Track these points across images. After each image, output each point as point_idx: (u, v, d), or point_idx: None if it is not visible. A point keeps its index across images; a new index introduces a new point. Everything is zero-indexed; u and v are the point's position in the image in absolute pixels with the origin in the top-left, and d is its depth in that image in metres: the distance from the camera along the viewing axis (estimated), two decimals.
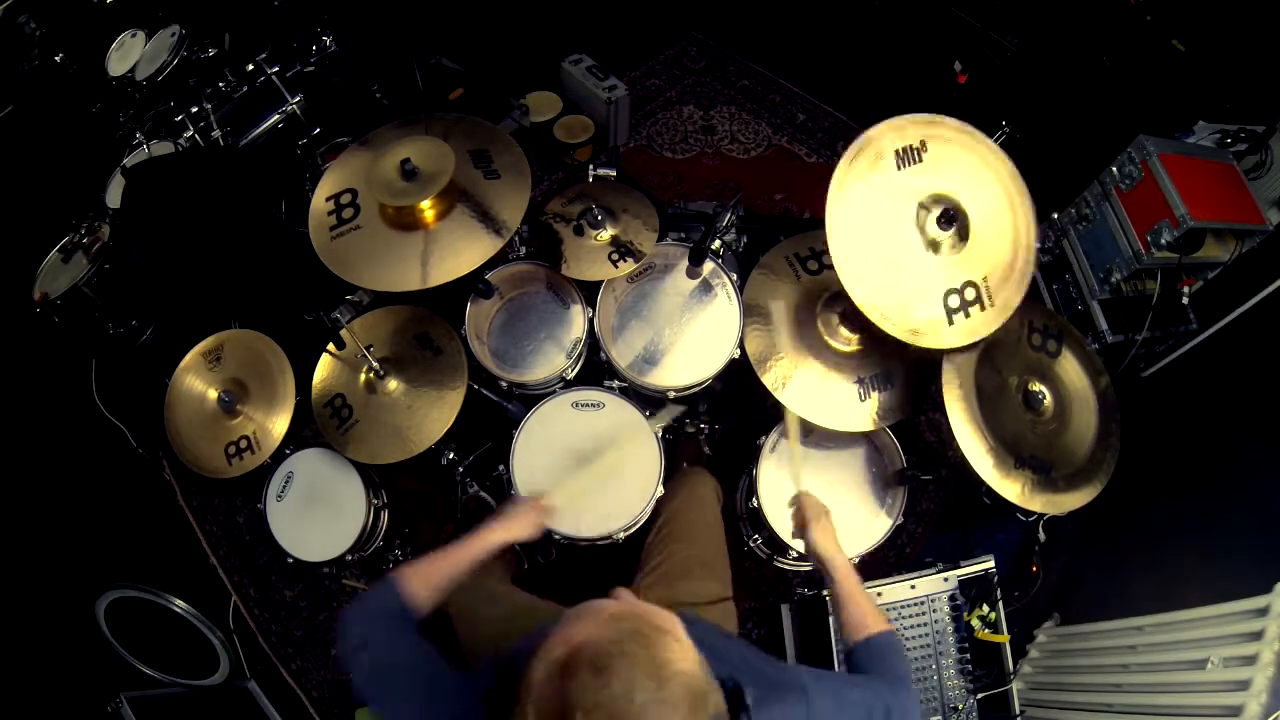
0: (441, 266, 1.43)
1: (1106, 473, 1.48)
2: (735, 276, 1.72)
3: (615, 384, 1.73)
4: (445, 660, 0.95)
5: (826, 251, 1.70)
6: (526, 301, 1.84)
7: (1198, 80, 2.28)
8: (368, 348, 1.66)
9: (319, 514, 1.77)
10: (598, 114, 2.85)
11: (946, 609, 1.63)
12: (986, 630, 1.59)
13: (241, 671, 2.01)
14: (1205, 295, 2.07)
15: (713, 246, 1.71)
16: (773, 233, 1.93)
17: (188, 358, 1.81)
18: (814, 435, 1.74)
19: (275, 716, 2.01)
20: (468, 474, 2.01)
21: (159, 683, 1.90)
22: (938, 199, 1.41)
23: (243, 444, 1.71)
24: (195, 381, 1.79)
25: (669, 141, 3.04)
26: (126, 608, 1.87)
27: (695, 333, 1.73)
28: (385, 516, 1.90)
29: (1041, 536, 1.91)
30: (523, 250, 1.87)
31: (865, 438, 1.75)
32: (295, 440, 1.78)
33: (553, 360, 1.74)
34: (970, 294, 1.39)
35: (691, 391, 1.72)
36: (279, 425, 1.71)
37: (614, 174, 1.93)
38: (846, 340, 1.62)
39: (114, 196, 2.43)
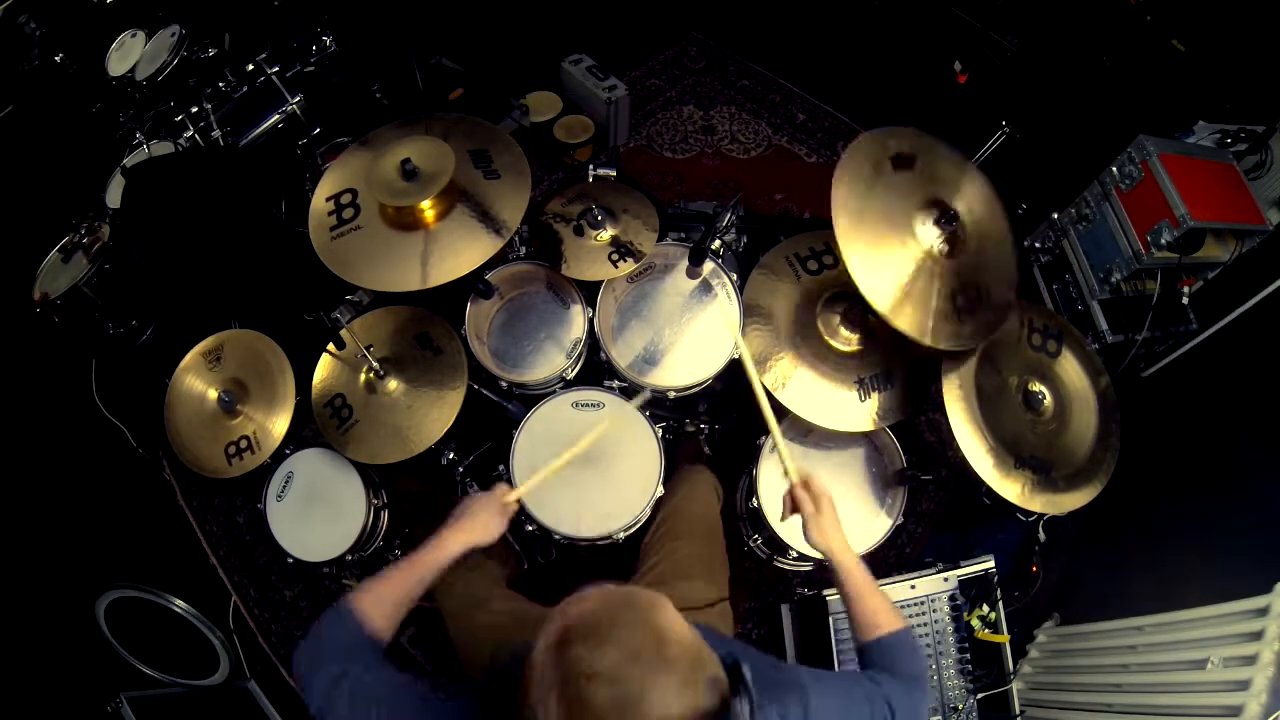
0: (441, 266, 1.43)
1: (1106, 473, 1.48)
2: (735, 276, 1.72)
3: (615, 384, 1.73)
4: (428, 684, 0.91)
5: (827, 251, 1.71)
6: (526, 301, 1.84)
7: (1198, 80, 2.28)
8: (368, 348, 1.66)
9: (319, 514, 1.76)
10: (598, 114, 2.85)
11: (946, 609, 1.63)
12: (986, 630, 1.59)
13: (241, 671, 2.01)
14: (1205, 295, 2.07)
15: (713, 246, 1.71)
16: (773, 233, 1.93)
17: (188, 358, 1.81)
18: (814, 435, 1.74)
19: (275, 716, 2.01)
20: (468, 474, 2.01)
21: (159, 683, 1.90)
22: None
23: (243, 444, 1.71)
24: (195, 381, 1.79)
25: (669, 141, 3.04)
26: (126, 608, 1.87)
27: (695, 333, 1.73)
28: (385, 516, 1.90)
29: (1041, 536, 1.91)
30: (523, 250, 1.87)
31: (865, 438, 1.75)
32: (295, 440, 1.78)
33: (553, 360, 1.74)
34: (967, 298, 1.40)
35: (691, 391, 1.72)
36: (279, 425, 1.71)
37: (614, 174, 1.93)
38: (846, 340, 1.62)
39: (114, 196, 2.43)
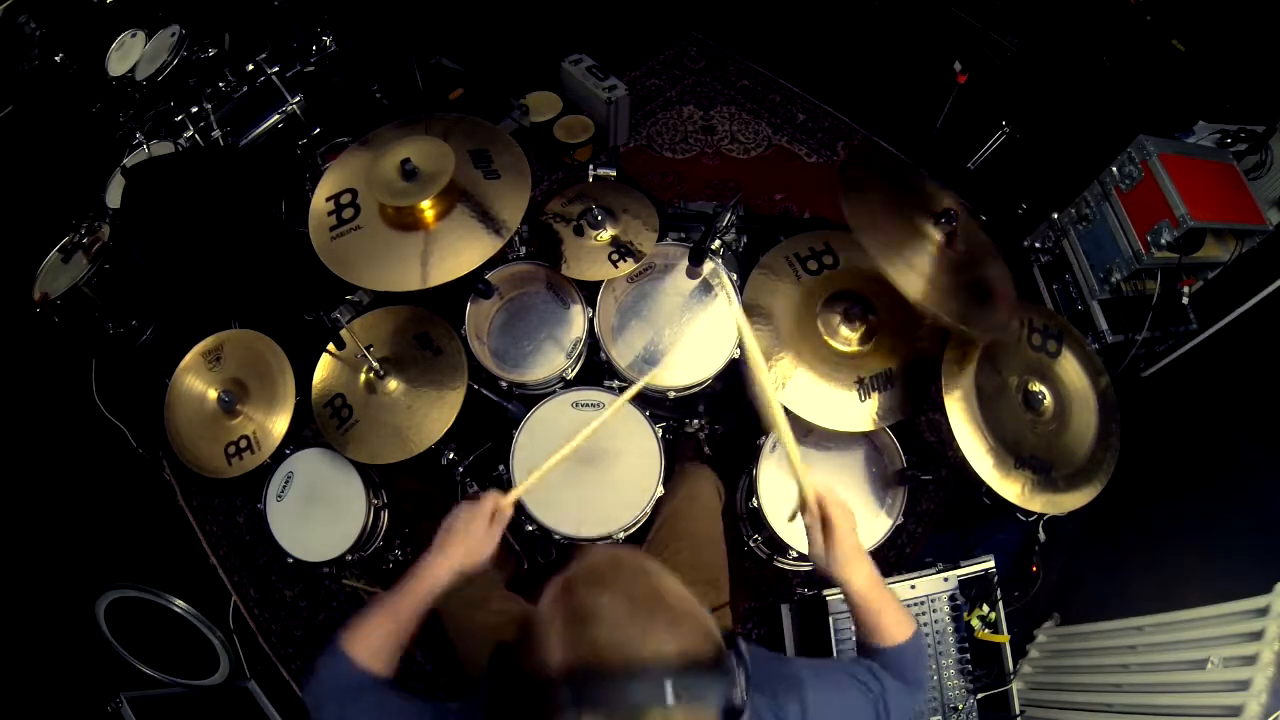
0: (441, 266, 1.43)
1: (1106, 473, 1.48)
2: (735, 276, 1.72)
3: (615, 384, 1.73)
4: (438, 707, 0.90)
5: (827, 251, 1.71)
6: (526, 301, 1.84)
7: (1198, 80, 2.28)
8: (368, 348, 1.66)
9: (319, 514, 1.76)
10: (598, 114, 2.85)
11: (946, 609, 1.63)
12: (986, 630, 1.59)
13: (241, 671, 2.01)
14: (1205, 295, 2.07)
15: (713, 246, 1.71)
16: (773, 233, 1.93)
17: (188, 358, 1.81)
18: (814, 435, 1.74)
19: (275, 716, 2.01)
20: (468, 474, 2.01)
21: (159, 683, 1.90)
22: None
23: (243, 444, 1.71)
24: (195, 381, 1.79)
25: (669, 141, 3.04)
26: (126, 608, 1.87)
27: (695, 333, 1.73)
28: (385, 516, 1.90)
29: (1041, 536, 1.91)
30: (523, 250, 1.87)
31: (865, 438, 1.75)
32: (295, 440, 1.78)
33: (553, 360, 1.74)
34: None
35: (691, 391, 1.72)
36: (279, 425, 1.71)
37: (614, 174, 1.93)
38: (846, 340, 1.62)
39: (114, 196, 2.43)
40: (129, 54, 2.64)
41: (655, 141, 3.03)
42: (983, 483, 1.39)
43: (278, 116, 2.46)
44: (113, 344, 2.47)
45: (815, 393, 1.57)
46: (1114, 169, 2.05)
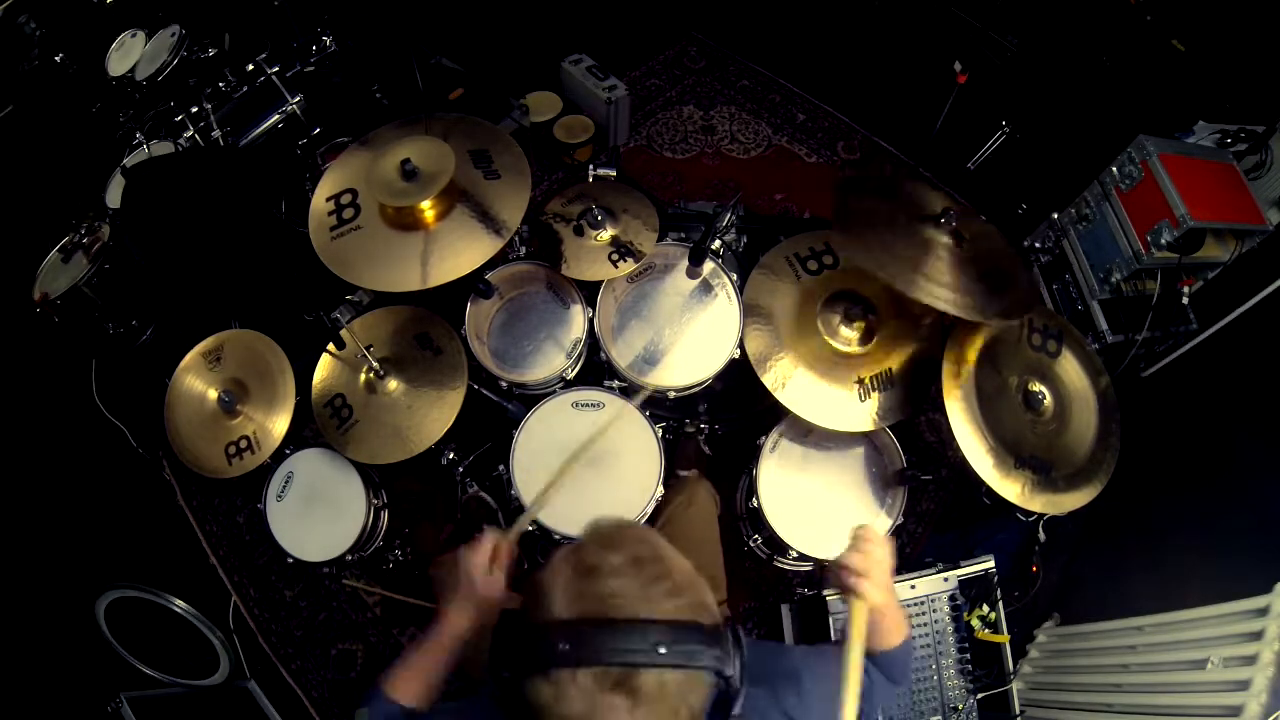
0: (441, 266, 1.43)
1: (1106, 473, 1.48)
2: (735, 276, 1.72)
3: (615, 384, 1.73)
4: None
5: (827, 251, 1.71)
6: (526, 301, 1.84)
7: (1198, 80, 2.28)
8: (368, 348, 1.66)
9: (319, 514, 1.76)
10: (598, 114, 2.85)
11: (946, 609, 1.63)
12: (986, 630, 1.59)
13: (241, 671, 2.01)
14: (1205, 295, 2.07)
15: (713, 246, 1.71)
16: (773, 233, 1.93)
17: (188, 358, 1.81)
18: (814, 435, 1.74)
19: (275, 716, 2.01)
20: (468, 474, 2.01)
21: (159, 683, 1.90)
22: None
23: (243, 444, 1.71)
24: (195, 381, 1.79)
25: (669, 141, 3.04)
26: (126, 608, 1.87)
27: (695, 333, 1.73)
28: (385, 516, 1.90)
29: (1041, 536, 1.91)
30: (523, 250, 1.87)
31: (865, 438, 1.75)
32: (295, 440, 1.78)
33: (553, 360, 1.74)
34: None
35: (691, 391, 1.72)
36: (279, 425, 1.71)
37: (614, 174, 1.93)
38: (846, 340, 1.62)
39: (114, 196, 2.43)
40: (129, 54, 2.64)
41: (655, 141, 3.03)
42: (983, 483, 1.39)
43: (278, 116, 2.46)
44: (113, 344, 2.47)
45: (815, 393, 1.57)
46: (1114, 169, 2.05)
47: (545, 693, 0.62)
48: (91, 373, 2.56)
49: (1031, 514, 1.60)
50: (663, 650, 0.62)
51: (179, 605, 1.85)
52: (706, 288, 1.76)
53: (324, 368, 1.77)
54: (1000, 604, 1.61)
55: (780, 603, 1.95)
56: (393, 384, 1.71)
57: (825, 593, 1.64)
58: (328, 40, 2.58)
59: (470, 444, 1.99)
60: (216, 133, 2.40)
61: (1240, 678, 1.31)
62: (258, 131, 2.45)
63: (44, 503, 2.35)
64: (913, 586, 1.63)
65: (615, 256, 1.68)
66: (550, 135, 2.82)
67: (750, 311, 1.66)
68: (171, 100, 2.46)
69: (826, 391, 1.57)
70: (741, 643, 0.68)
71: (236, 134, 2.43)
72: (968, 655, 1.60)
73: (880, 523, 1.67)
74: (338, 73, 2.60)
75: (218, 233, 2.07)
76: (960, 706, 1.58)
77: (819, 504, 1.68)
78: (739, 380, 1.70)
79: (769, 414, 1.76)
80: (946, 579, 1.64)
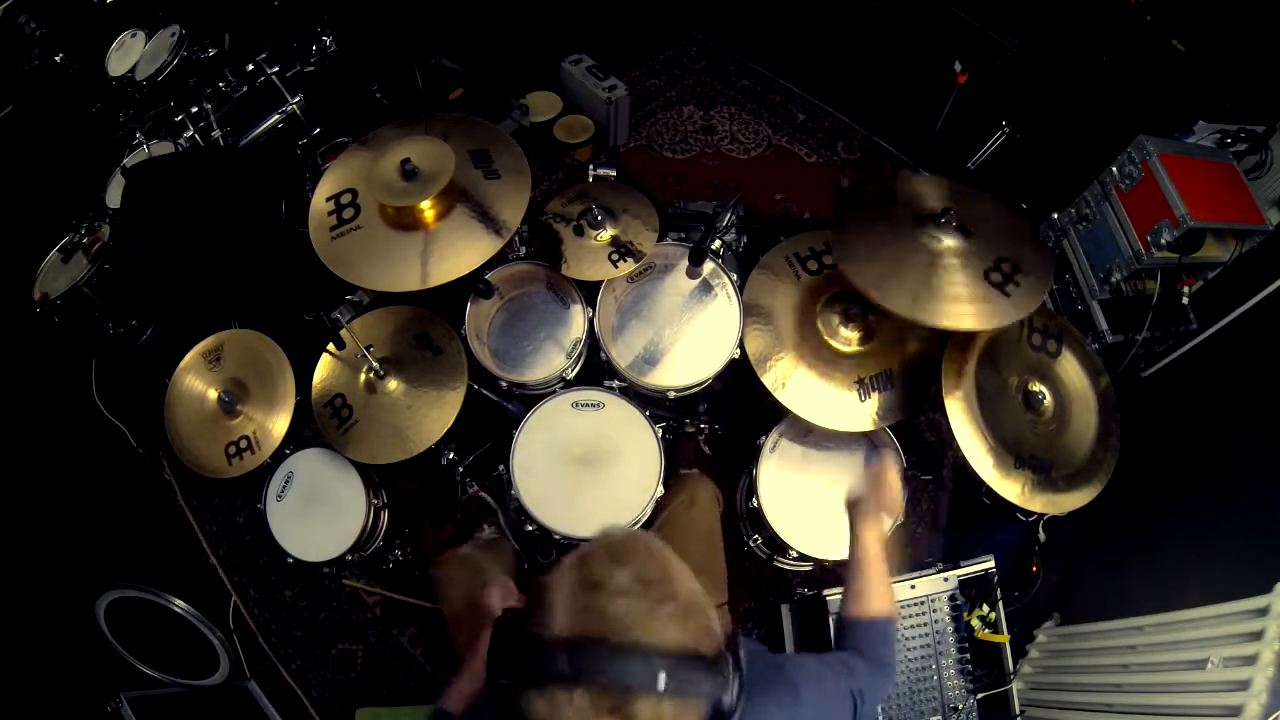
0: (441, 266, 1.43)
1: (1106, 473, 1.48)
2: (735, 276, 1.72)
3: (615, 384, 1.73)
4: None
5: (827, 251, 1.71)
6: (526, 301, 1.84)
7: (1198, 80, 2.28)
8: (368, 348, 1.66)
9: (319, 514, 1.76)
10: (598, 114, 2.85)
11: (946, 609, 1.63)
12: (986, 630, 1.59)
13: (241, 671, 2.01)
14: (1205, 295, 2.07)
15: (713, 246, 1.71)
16: (773, 233, 1.93)
17: (188, 358, 1.81)
18: (814, 435, 1.74)
19: (275, 716, 2.01)
20: (468, 474, 2.01)
21: (159, 683, 1.90)
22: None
23: (243, 444, 1.71)
24: (195, 381, 1.79)
25: (669, 141, 3.04)
26: (126, 608, 1.87)
27: (695, 333, 1.73)
28: (385, 516, 1.90)
29: (1041, 536, 1.91)
30: (523, 250, 1.87)
31: (865, 438, 1.75)
32: (295, 440, 1.78)
33: (553, 360, 1.74)
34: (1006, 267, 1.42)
35: (691, 391, 1.72)
36: (279, 425, 1.71)
37: (614, 174, 1.93)
38: (846, 340, 1.62)
39: (114, 196, 2.43)
40: (129, 54, 2.64)
41: (655, 141, 3.03)
42: (983, 483, 1.39)
43: (278, 116, 2.46)
44: (113, 344, 2.47)
45: (815, 393, 1.57)
46: (1114, 169, 2.05)
47: (540, 708, 0.62)
48: (91, 373, 2.56)
49: (1031, 514, 1.60)
50: (663, 676, 0.61)
51: (179, 605, 1.85)
52: (706, 288, 1.76)
53: (324, 368, 1.77)
54: (1000, 604, 1.61)
55: (780, 603, 1.95)
56: (393, 384, 1.71)
57: (825, 593, 1.64)
58: (328, 40, 2.58)
59: (470, 444, 1.99)
60: (216, 133, 2.40)
61: (1240, 678, 1.31)
62: (258, 131, 2.45)
63: (44, 503, 2.35)
64: (913, 586, 1.63)
65: (615, 256, 1.68)
66: (550, 135, 2.82)
67: (750, 311, 1.66)
68: (171, 100, 2.46)
69: (826, 391, 1.57)
70: (742, 665, 0.68)
71: (236, 134, 2.43)
72: (968, 655, 1.60)
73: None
74: (338, 73, 2.60)
75: (218, 233, 2.07)
76: (960, 706, 1.58)
77: (819, 504, 1.68)
78: (739, 380, 1.70)
79: (769, 414, 1.76)
80: (946, 579, 1.64)
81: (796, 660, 1.01)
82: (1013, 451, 1.42)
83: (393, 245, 1.46)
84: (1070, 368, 1.56)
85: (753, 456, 1.73)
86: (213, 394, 1.75)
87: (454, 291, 1.56)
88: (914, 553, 2.10)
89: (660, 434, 1.67)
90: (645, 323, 1.75)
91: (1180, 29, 2.31)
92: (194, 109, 2.42)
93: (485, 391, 1.77)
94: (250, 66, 2.47)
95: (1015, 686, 1.66)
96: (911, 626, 1.61)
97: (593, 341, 1.72)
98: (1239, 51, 2.21)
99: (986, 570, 1.64)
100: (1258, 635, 1.33)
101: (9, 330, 2.60)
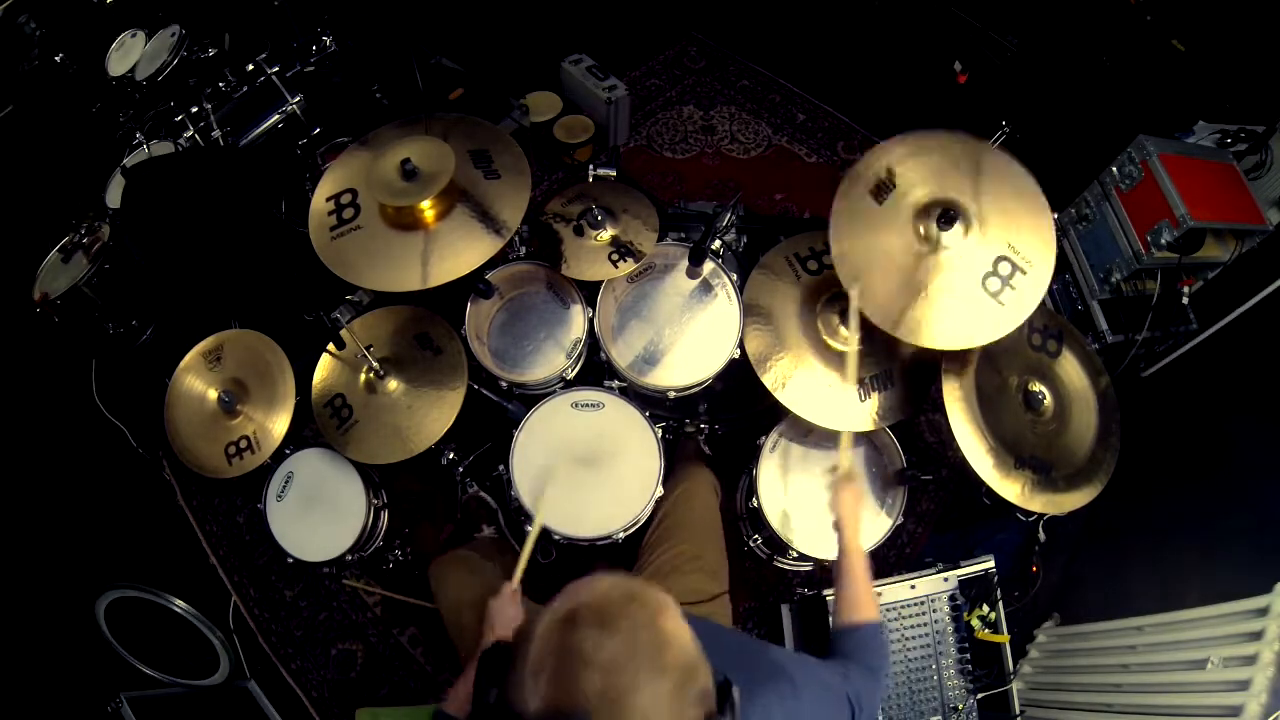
0: (441, 266, 1.43)
1: (1106, 473, 1.48)
2: (735, 276, 1.72)
3: (615, 384, 1.73)
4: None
5: (827, 251, 1.71)
6: (526, 301, 1.84)
7: (1198, 80, 2.28)
8: (368, 348, 1.66)
9: (319, 514, 1.77)
10: (598, 114, 2.85)
11: (946, 609, 1.63)
12: (986, 630, 1.59)
13: (241, 671, 2.01)
14: (1205, 295, 2.07)
15: (713, 246, 1.71)
16: (773, 233, 1.93)
17: (188, 358, 1.81)
18: (814, 435, 1.74)
19: (275, 716, 2.01)
20: (468, 474, 2.01)
21: (159, 683, 1.90)
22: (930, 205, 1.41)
23: (243, 444, 1.71)
24: (195, 381, 1.79)
25: (669, 141, 3.04)
26: (126, 608, 1.87)
27: (695, 333, 1.73)
28: (385, 516, 1.90)
29: (1041, 536, 1.91)
30: (523, 250, 1.87)
31: (865, 438, 1.75)
32: (295, 440, 1.78)
33: (553, 360, 1.74)
34: (1005, 268, 1.41)
35: (691, 391, 1.72)
36: (279, 425, 1.71)
37: (614, 174, 1.92)
38: (846, 340, 1.62)
39: (114, 196, 2.43)
40: (129, 54, 2.64)
41: (655, 141, 3.03)
42: (983, 483, 1.39)
43: (278, 116, 2.46)
44: (113, 344, 2.47)
45: (815, 393, 1.57)
46: (1114, 169, 2.05)
47: None
48: (91, 373, 2.56)
49: (1031, 514, 1.60)
50: None
51: (179, 605, 1.85)
52: (706, 288, 1.76)
53: (324, 368, 1.77)
54: (1000, 604, 1.61)
55: (780, 603, 1.95)
56: (393, 384, 1.71)
57: (825, 593, 1.64)
58: (328, 40, 2.58)
59: (470, 444, 1.99)
60: (216, 133, 2.40)
61: (1240, 678, 1.31)
62: (258, 131, 2.45)
63: (44, 503, 2.35)
64: (913, 586, 1.63)
65: (615, 256, 1.68)
66: (550, 135, 2.82)
67: (750, 311, 1.66)
68: (171, 100, 2.46)
69: (827, 392, 1.57)
70: (736, 710, 0.66)
71: (236, 134, 2.43)
72: (968, 655, 1.60)
73: (880, 523, 1.67)
74: (338, 73, 2.60)
75: (218, 233, 2.07)
76: (960, 706, 1.58)
77: (819, 504, 1.68)
78: (739, 380, 1.70)
79: (769, 414, 1.76)
80: (946, 579, 1.64)
81: (796, 658, 1.02)
82: (1013, 451, 1.42)
83: (393, 245, 1.46)
84: (1070, 368, 1.56)
85: (753, 456, 1.73)
86: (213, 394, 1.75)
87: (454, 291, 1.56)
88: (913, 552, 2.11)
89: (660, 434, 1.67)
90: (645, 323, 1.75)
91: (1180, 29, 2.31)
92: (194, 109, 2.42)
93: (485, 391, 1.77)
94: (250, 66, 2.47)
95: (1015, 686, 1.66)
96: (911, 626, 1.61)
97: (593, 341, 1.72)
98: (1239, 51, 2.21)
99: (986, 570, 1.64)
100: (1258, 635, 1.33)
101: (9, 330, 2.60)
